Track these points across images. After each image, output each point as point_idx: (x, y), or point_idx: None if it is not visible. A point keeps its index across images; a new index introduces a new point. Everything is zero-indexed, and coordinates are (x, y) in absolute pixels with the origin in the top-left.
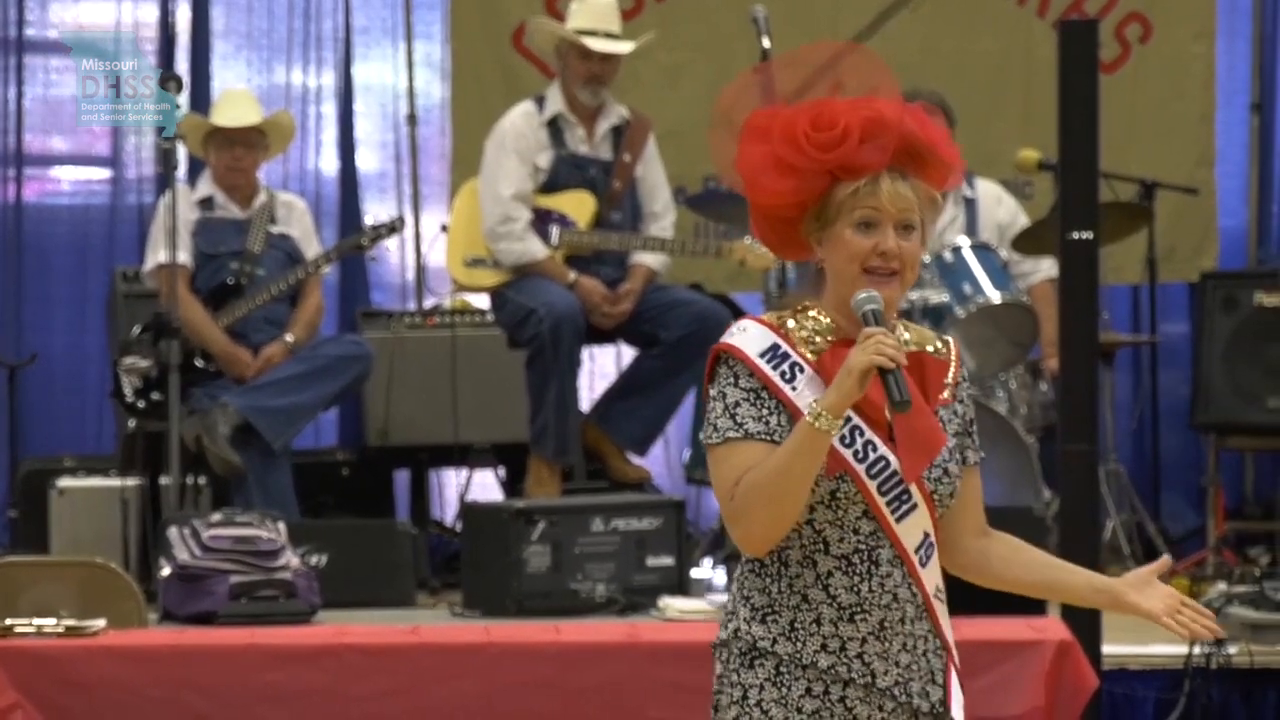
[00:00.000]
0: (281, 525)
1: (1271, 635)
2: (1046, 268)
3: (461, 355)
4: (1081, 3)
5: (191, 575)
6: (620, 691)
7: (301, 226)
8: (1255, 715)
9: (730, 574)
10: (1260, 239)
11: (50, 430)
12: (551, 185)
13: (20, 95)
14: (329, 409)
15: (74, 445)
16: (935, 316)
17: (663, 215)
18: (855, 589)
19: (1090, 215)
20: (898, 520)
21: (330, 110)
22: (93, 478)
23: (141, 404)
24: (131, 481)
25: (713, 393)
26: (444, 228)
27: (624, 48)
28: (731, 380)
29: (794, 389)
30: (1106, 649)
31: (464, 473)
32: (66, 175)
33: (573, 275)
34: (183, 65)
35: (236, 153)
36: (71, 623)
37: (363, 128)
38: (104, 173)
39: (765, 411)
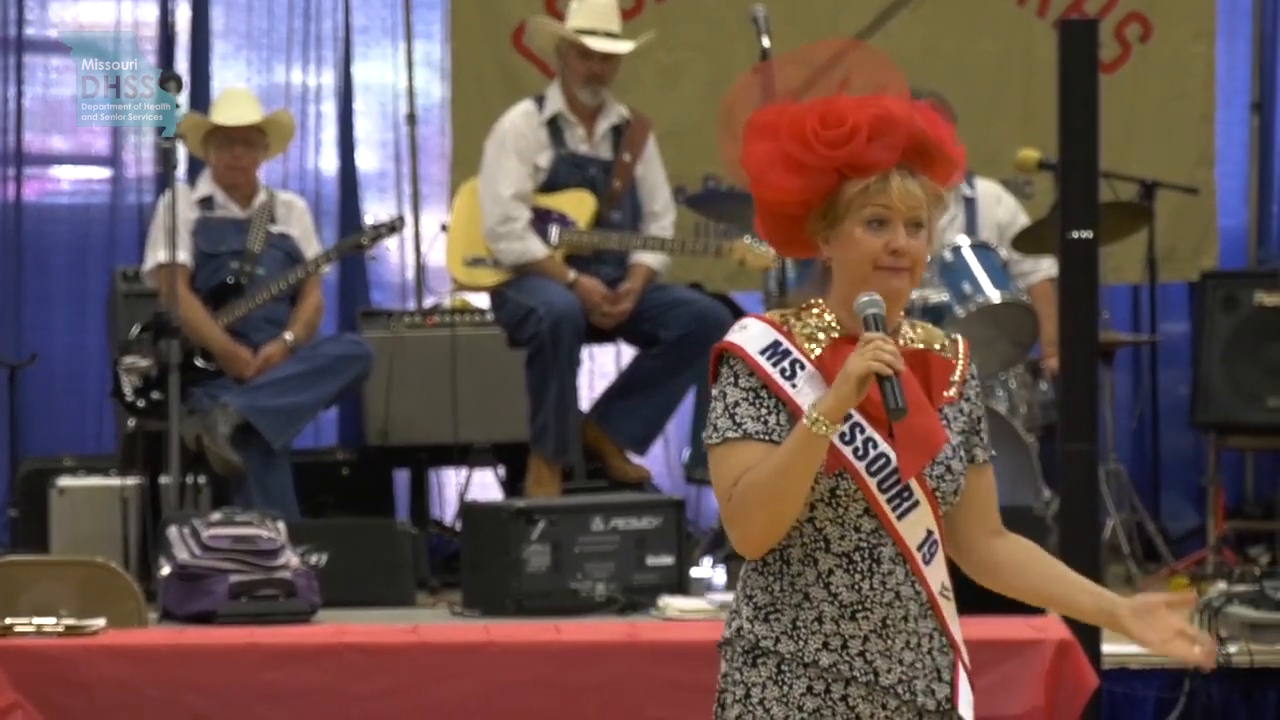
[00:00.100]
0: (281, 525)
1: (1271, 635)
2: (1046, 267)
3: (461, 355)
4: (1081, 3)
5: (191, 575)
6: (620, 691)
7: (301, 226)
8: (1255, 715)
9: (730, 573)
10: (1260, 239)
11: (50, 430)
12: (551, 185)
13: (20, 95)
14: (329, 408)
15: (74, 445)
16: (935, 316)
17: (662, 215)
18: (856, 587)
19: (1090, 215)
20: (899, 518)
21: (330, 110)
22: (93, 477)
23: (141, 403)
24: (131, 481)
25: (714, 392)
26: (444, 227)
27: (624, 47)
28: (732, 380)
29: (794, 386)
30: (1106, 648)
31: (464, 472)
32: (66, 175)
33: (572, 275)
34: (182, 65)
35: (236, 151)
36: (71, 622)
37: (362, 127)
38: (104, 172)
39: (764, 411)
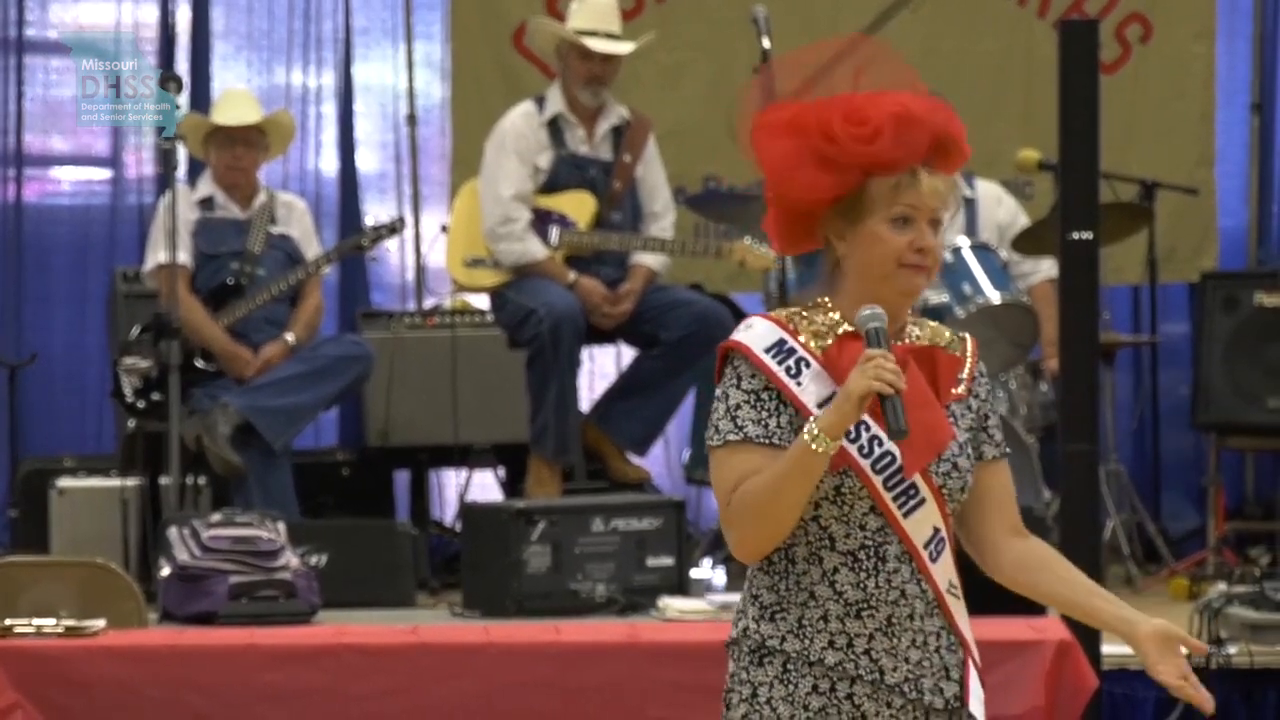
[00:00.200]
0: (281, 525)
1: (1271, 635)
2: (1046, 268)
3: (461, 355)
4: (1082, 3)
5: (191, 575)
6: (620, 691)
7: (301, 227)
8: (1256, 715)
9: (730, 574)
10: (1260, 239)
11: (50, 430)
12: (551, 185)
13: (20, 95)
14: (329, 409)
15: (74, 445)
16: (935, 317)
17: (663, 215)
18: (861, 585)
19: (1090, 215)
20: (905, 515)
21: (330, 111)
22: (93, 478)
23: (141, 404)
24: (131, 481)
25: (717, 393)
26: (444, 228)
27: (624, 48)
28: (734, 381)
29: (799, 384)
30: (1106, 649)
31: (464, 473)
32: (67, 175)
33: (573, 275)
34: (183, 66)
35: (237, 152)
36: (71, 623)
37: (363, 128)
38: (104, 173)
39: (765, 414)
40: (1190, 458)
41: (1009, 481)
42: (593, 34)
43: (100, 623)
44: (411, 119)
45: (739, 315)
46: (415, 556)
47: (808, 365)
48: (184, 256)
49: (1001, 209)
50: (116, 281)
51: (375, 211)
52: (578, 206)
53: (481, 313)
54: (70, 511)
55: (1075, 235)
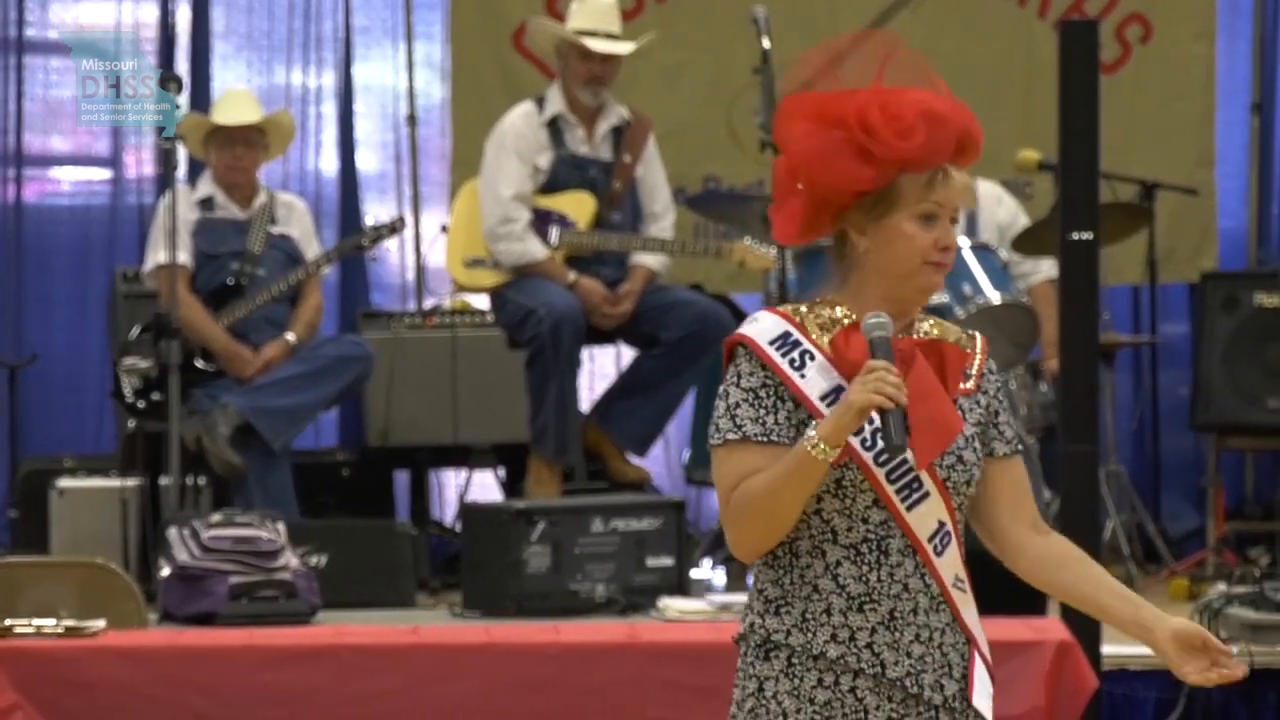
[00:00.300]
0: (281, 525)
1: (1271, 636)
2: (1046, 268)
3: (461, 356)
4: (1082, 3)
5: (191, 575)
6: (620, 692)
7: (301, 227)
8: (1255, 716)
9: (730, 574)
10: (1260, 239)
11: (50, 430)
12: (551, 186)
13: (20, 95)
14: (329, 409)
15: (74, 445)
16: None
17: (663, 216)
18: (864, 579)
19: (1090, 216)
20: (908, 509)
21: (330, 110)
22: (93, 478)
23: (141, 404)
24: (131, 482)
25: (719, 391)
26: (444, 228)
27: (624, 48)
28: (735, 379)
29: (803, 377)
30: (1106, 649)
31: (464, 473)
32: (67, 176)
33: (573, 276)
34: (183, 66)
35: (237, 152)
36: (71, 623)
37: (363, 128)
38: (104, 173)
39: (763, 411)
40: (1190, 458)
41: (1023, 478)
42: (593, 34)
43: (100, 623)
44: (411, 119)
45: (739, 315)
46: (415, 557)
47: (812, 358)
48: (184, 256)
49: (1001, 209)
50: (117, 282)
51: (375, 211)
52: (577, 207)
53: (481, 313)
54: (70, 512)
55: (1075, 235)
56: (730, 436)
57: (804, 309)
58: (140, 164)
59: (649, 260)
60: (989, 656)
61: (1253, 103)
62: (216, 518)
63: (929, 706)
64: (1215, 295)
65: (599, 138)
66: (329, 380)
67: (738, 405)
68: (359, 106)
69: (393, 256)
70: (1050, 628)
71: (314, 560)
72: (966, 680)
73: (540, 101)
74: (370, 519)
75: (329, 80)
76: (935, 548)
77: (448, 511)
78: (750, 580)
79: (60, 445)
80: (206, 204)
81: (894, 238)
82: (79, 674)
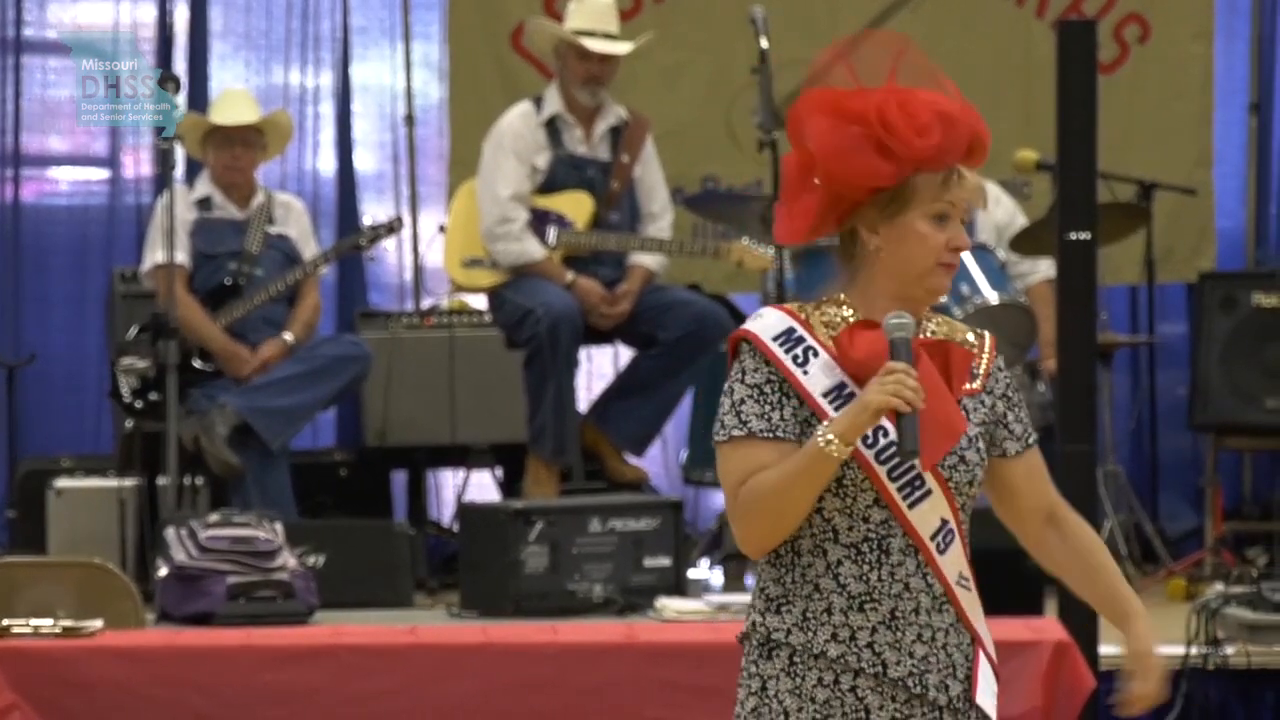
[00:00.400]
0: (279, 525)
1: (1269, 636)
2: (1044, 268)
3: (459, 356)
4: (1080, 3)
5: (189, 576)
6: (617, 692)
7: (299, 227)
8: (1253, 716)
9: (727, 574)
10: (1258, 239)
11: (48, 430)
12: (549, 186)
13: (18, 95)
14: (327, 409)
15: (72, 445)
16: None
17: (661, 216)
18: (864, 578)
19: (1089, 216)
20: (910, 507)
21: (328, 110)
22: (91, 478)
23: (139, 404)
24: (129, 482)
25: (725, 388)
26: (442, 228)
27: (622, 48)
28: (739, 376)
29: (805, 373)
30: (1104, 649)
31: (461, 473)
32: (64, 176)
33: (570, 276)
34: (180, 66)
35: (235, 152)
36: (69, 623)
37: (360, 128)
38: (102, 173)
39: (769, 407)
40: (1188, 458)
41: (1036, 470)
42: (591, 34)
43: (98, 623)
44: (409, 119)
45: (737, 315)
46: (413, 557)
47: (816, 355)
48: (182, 256)
49: (999, 209)
50: (114, 282)
51: (373, 211)
52: (575, 207)
53: (479, 313)
54: (68, 512)
55: (1073, 235)
56: (736, 433)
57: (810, 307)
58: (138, 164)
59: (647, 260)
60: (994, 655)
61: (1251, 103)
62: (214, 518)
63: (933, 707)
64: (1213, 295)
65: (597, 138)
66: (327, 380)
67: (743, 401)
68: (357, 106)
69: (390, 256)
70: (1048, 628)
71: (312, 560)
72: (970, 680)
73: (538, 101)
74: (368, 519)
75: (327, 80)
76: (938, 546)
77: (445, 511)
78: (749, 580)
79: (58, 445)
80: (204, 204)
81: (907, 236)
82: (77, 674)
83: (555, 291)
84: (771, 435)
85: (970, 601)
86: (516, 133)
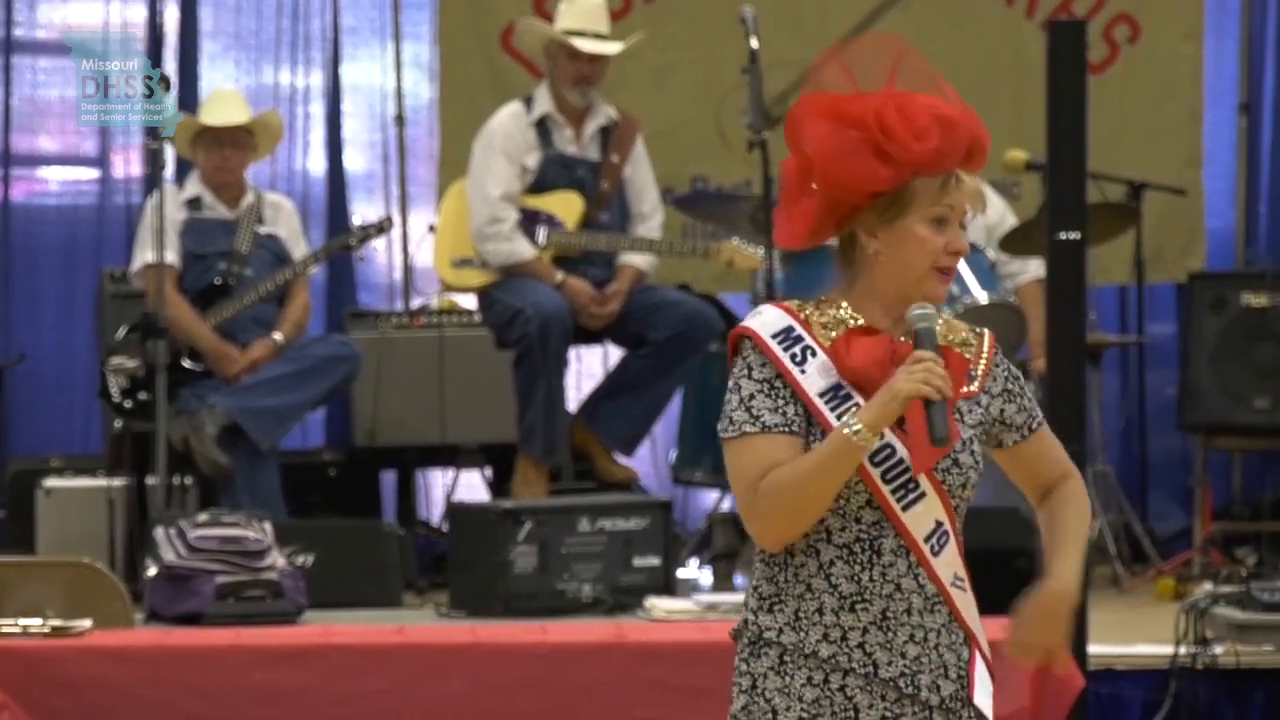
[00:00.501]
0: (268, 525)
1: (1258, 635)
2: (1034, 268)
3: (449, 356)
4: (1070, 3)
5: (178, 575)
6: (607, 691)
7: (289, 227)
8: (1242, 716)
9: (716, 574)
10: (1248, 240)
11: (37, 430)
12: (539, 186)
13: (8, 95)
14: (316, 409)
15: (61, 445)
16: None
17: (650, 216)
18: (856, 578)
19: (1078, 216)
20: (904, 509)
21: (318, 110)
22: (80, 478)
23: (129, 404)
24: (118, 482)
25: (729, 384)
26: (431, 228)
27: (612, 48)
28: (745, 372)
29: (803, 373)
30: (1093, 649)
31: (451, 473)
32: (54, 175)
33: (560, 275)
34: (170, 66)
35: (225, 152)
36: (58, 623)
37: (350, 128)
38: (92, 173)
39: (781, 402)
40: (1177, 458)
41: (1042, 454)
42: (581, 34)
43: (87, 623)
44: (399, 119)
45: (726, 315)
46: (402, 556)
47: (814, 354)
48: (171, 256)
49: (990, 209)
50: (104, 282)
51: (363, 211)
52: (565, 207)
53: (469, 313)
54: (57, 511)
55: (1063, 235)
56: (748, 429)
57: (809, 306)
58: (128, 164)
59: (637, 260)
60: (989, 655)
61: (1240, 103)
62: (203, 517)
63: (924, 707)
64: (1203, 295)
65: (587, 138)
66: (316, 380)
67: (752, 397)
68: (347, 106)
69: (380, 256)
70: None
71: (301, 560)
72: (963, 680)
73: (528, 101)
74: (357, 519)
75: (317, 80)
76: (933, 548)
77: (435, 511)
78: (738, 579)
79: (47, 445)
80: (194, 204)
81: (906, 240)
82: (66, 674)
83: (545, 292)
84: (786, 430)
85: (965, 602)
86: (506, 133)
